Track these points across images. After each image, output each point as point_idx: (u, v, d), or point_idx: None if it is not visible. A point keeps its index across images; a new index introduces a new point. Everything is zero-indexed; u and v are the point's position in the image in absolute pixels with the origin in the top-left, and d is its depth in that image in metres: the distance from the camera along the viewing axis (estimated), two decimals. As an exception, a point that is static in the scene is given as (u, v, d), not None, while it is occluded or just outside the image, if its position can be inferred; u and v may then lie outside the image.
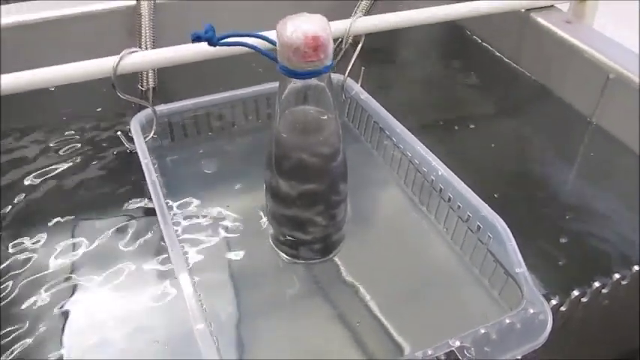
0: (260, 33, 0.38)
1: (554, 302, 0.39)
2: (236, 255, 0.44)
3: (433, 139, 0.48)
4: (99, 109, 0.59)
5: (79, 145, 0.55)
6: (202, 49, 0.47)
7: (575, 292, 0.40)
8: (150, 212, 0.47)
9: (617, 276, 0.42)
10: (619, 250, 0.45)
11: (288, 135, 0.37)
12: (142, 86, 0.57)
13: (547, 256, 0.45)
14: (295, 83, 0.35)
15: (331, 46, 0.34)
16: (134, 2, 0.59)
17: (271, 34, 0.42)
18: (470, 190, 0.43)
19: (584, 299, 0.41)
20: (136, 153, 0.46)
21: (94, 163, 0.53)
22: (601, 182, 0.53)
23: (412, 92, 0.65)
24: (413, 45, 0.71)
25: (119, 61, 0.44)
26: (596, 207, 0.50)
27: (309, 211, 0.39)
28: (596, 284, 0.41)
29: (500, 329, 0.35)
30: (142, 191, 0.49)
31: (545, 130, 0.60)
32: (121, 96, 0.45)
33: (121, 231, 0.46)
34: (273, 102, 0.54)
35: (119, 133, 0.50)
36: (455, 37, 0.71)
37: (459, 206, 0.43)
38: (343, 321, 0.40)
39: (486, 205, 0.41)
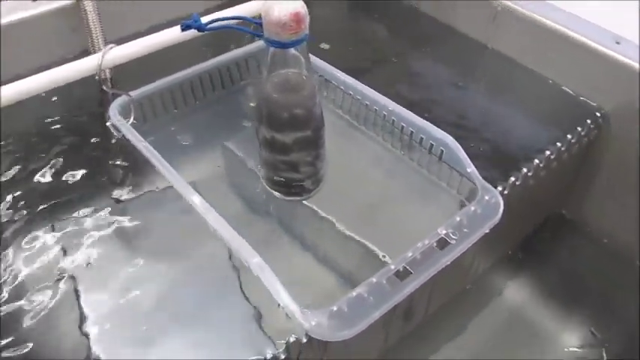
0: (239, 15, 0.45)
1: (500, 189, 0.51)
2: (234, 200, 0.52)
3: (363, 79, 0.57)
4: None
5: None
6: (173, 35, 0.52)
7: (512, 179, 0.52)
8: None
9: (536, 161, 0.54)
10: (530, 144, 0.57)
11: (279, 95, 0.45)
12: (99, 77, 0.61)
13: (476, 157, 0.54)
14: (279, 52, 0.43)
15: (307, 19, 0.42)
16: (72, 1, 0.62)
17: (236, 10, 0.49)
18: (419, 117, 0.53)
19: (518, 182, 0.53)
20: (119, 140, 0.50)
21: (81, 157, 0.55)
22: (502, 94, 0.64)
23: (337, 43, 0.73)
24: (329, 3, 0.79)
25: (102, 58, 0.49)
26: (505, 112, 0.61)
27: (302, 153, 0.48)
28: (524, 170, 0.53)
29: (468, 215, 0.46)
30: (140, 173, 0.53)
31: (450, 57, 0.70)
32: (107, 90, 0.51)
33: (152, 206, 0.50)
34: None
35: (108, 124, 0.53)
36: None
37: (412, 132, 0.53)
38: (329, 242, 0.49)
39: (435, 127, 0.51)
